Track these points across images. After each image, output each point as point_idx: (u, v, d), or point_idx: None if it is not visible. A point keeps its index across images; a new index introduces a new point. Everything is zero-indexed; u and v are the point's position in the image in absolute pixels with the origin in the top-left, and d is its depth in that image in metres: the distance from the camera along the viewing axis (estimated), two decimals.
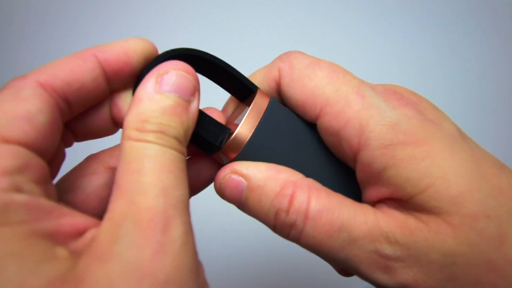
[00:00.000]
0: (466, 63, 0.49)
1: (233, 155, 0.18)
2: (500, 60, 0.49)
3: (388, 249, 0.16)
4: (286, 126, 0.19)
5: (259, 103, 0.18)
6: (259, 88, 0.19)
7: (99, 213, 0.18)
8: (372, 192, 0.17)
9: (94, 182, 0.19)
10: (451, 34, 0.49)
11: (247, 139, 0.18)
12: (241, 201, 0.18)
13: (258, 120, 0.18)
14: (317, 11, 0.48)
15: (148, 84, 0.16)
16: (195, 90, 0.16)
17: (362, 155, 0.17)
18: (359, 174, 0.18)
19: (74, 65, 0.16)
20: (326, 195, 0.17)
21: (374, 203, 0.18)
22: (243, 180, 0.17)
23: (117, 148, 0.20)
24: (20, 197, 0.13)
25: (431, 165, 0.16)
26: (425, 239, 0.15)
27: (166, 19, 0.46)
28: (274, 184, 0.17)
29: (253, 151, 0.18)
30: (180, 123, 0.15)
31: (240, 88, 0.20)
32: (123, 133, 0.15)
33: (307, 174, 0.18)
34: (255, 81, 0.20)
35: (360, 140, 0.16)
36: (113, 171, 0.19)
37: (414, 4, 0.49)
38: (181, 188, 0.14)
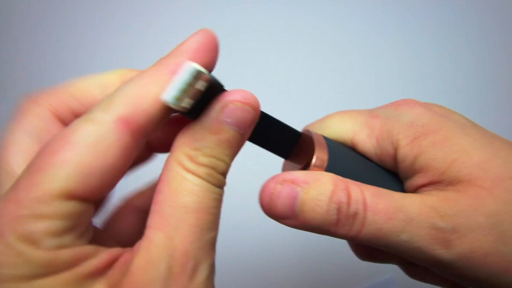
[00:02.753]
0: (466, 63, 0.49)
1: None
2: (501, 60, 0.49)
3: (441, 223, 0.17)
4: (344, 150, 0.21)
5: (316, 138, 0.20)
6: (303, 132, 0.21)
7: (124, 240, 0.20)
8: (411, 183, 0.20)
9: (122, 224, 0.20)
10: (451, 34, 0.49)
11: (325, 164, 0.19)
12: (294, 210, 0.18)
13: (327, 149, 0.20)
14: (317, 11, 0.48)
15: (212, 112, 0.15)
16: (254, 122, 0.17)
17: (397, 156, 0.20)
18: (400, 173, 0.20)
19: (154, 89, 0.15)
20: (372, 187, 0.19)
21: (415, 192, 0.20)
22: (295, 186, 0.18)
23: (146, 191, 0.22)
24: (65, 253, 0.14)
25: (450, 144, 0.18)
26: (468, 205, 0.17)
27: (166, 19, 0.46)
28: (327, 183, 0.18)
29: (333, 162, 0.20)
30: (231, 156, 0.16)
31: (279, 138, 0.21)
32: (173, 152, 0.16)
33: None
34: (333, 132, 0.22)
35: (392, 146, 0.20)
36: (141, 212, 0.21)
37: (414, 4, 0.49)
38: (214, 229, 0.15)
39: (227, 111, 0.15)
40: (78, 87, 0.17)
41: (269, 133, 0.20)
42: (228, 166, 0.16)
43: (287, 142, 0.21)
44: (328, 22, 0.48)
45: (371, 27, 0.48)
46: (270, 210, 0.18)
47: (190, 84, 0.14)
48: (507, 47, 0.49)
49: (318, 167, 0.19)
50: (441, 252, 0.17)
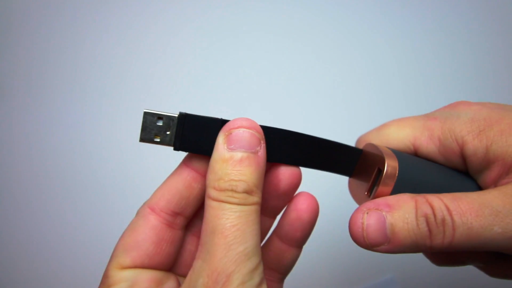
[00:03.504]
0: (466, 63, 0.49)
1: (387, 190, 0.20)
2: (501, 61, 0.49)
3: None
4: (409, 156, 0.21)
5: (384, 149, 0.21)
6: (363, 149, 0.22)
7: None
8: (487, 177, 0.20)
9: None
10: (452, 34, 0.49)
11: (397, 171, 0.20)
12: (386, 234, 0.18)
13: (395, 156, 0.20)
14: (319, 11, 0.48)
15: (219, 145, 0.18)
16: (260, 141, 0.19)
17: (466, 151, 0.20)
18: (471, 168, 0.20)
19: (172, 181, 0.21)
20: (448, 194, 0.19)
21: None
22: (380, 211, 0.19)
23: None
24: None
25: None
26: None
27: (166, 19, 0.46)
28: (408, 201, 0.19)
29: (402, 183, 0.20)
30: (250, 174, 0.18)
31: (340, 159, 0.22)
32: (205, 192, 0.18)
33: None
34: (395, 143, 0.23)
35: (457, 143, 0.20)
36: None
37: (414, 4, 0.49)
38: (246, 241, 0.17)
39: (228, 139, 0.18)
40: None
41: (328, 156, 0.21)
42: (249, 184, 0.18)
43: (348, 161, 0.22)
44: (328, 22, 0.48)
45: (371, 28, 0.48)
46: (365, 241, 0.19)
47: (150, 124, 0.20)
48: (507, 47, 0.49)
49: (391, 174, 0.19)
50: None
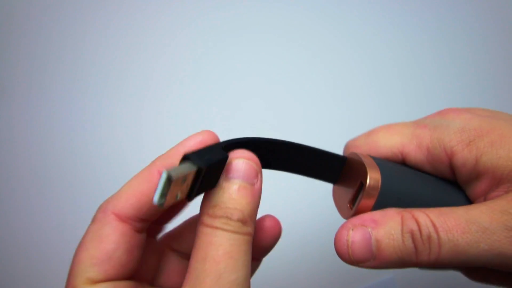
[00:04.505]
0: (466, 64, 0.49)
1: (370, 202, 0.19)
2: (501, 61, 0.49)
3: None
4: (394, 166, 0.21)
5: (367, 161, 0.20)
6: (349, 153, 0.22)
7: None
8: (476, 188, 0.20)
9: (167, 270, 0.22)
10: (453, 35, 0.49)
11: (380, 184, 0.19)
12: (371, 250, 0.18)
13: (378, 168, 0.20)
14: (316, 12, 0.48)
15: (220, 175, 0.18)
16: (258, 173, 0.19)
17: (454, 162, 0.19)
18: (460, 179, 0.20)
19: (142, 187, 0.19)
20: (434, 209, 0.19)
21: (481, 200, 0.20)
22: (366, 228, 0.18)
23: (181, 231, 0.23)
24: None
25: (509, 142, 0.18)
26: None
27: (165, 19, 0.46)
28: (394, 216, 0.18)
29: (385, 195, 0.19)
30: (246, 204, 0.18)
31: (325, 166, 0.22)
32: (199, 219, 0.18)
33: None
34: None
35: (446, 153, 0.20)
36: (182, 255, 0.23)
37: (414, 4, 0.49)
38: (238, 271, 0.17)
39: (227, 168, 0.18)
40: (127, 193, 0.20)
41: (313, 163, 0.21)
42: (244, 213, 0.17)
43: (333, 168, 0.22)
44: (328, 23, 0.48)
45: (371, 29, 0.48)
46: (350, 258, 0.19)
47: (170, 187, 0.16)
48: (507, 47, 0.49)
49: (373, 187, 0.19)
50: None
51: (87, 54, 0.44)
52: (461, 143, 0.19)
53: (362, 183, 0.20)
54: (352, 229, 0.18)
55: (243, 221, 0.17)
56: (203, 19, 0.46)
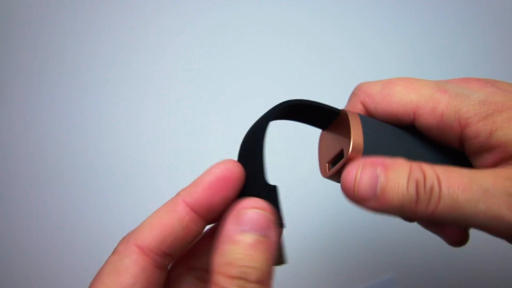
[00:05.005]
0: (466, 64, 0.49)
1: (356, 155, 0.20)
2: (501, 61, 0.49)
3: None
4: (382, 127, 0.21)
5: (352, 116, 0.20)
6: (342, 109, 0.21)
7: None
8: (484, 161, 0.20)
9: None
10: (452, 34, 0.49)
11: (360, 156, 0.19)
12: (376, 190, 0.18)
13: (361, 125, 0.20)
14: (316, 12, 0.48)
15: (229, 225, 0.17)
16: (272, 223, 0.17)
17: (467, 133, 0.19)
18: (469, 150, 0.20)
19: (166, 219, 0.18)
20: (442, 165, 0.19)
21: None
22: (375, 169, 0.18)
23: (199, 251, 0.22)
24: None
25: None
26: None
27: (166, 19, 0.46)
28: (404, 164, 0.19)
29: (369, 150, 0.20)
30: (262, 261, 0.16)
31: (322, 117, 0.22)
32: (212, 276, 0.16)
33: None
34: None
35: (460, 123, 0.19)
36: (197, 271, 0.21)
37: (414, 4, 0.49)
38: None
39: (239, 219, 0.17)
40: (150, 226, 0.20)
41: (306, 114, 0.21)
42: (263, 271, 0.16)
43: (325, 118, 0.22)
44: (328, 23, 0.48)
45: (371, 29, 0.48)
46: (354, 194, 0.19)
47: None
48: (507, 47, 0.49)
49: (352, 158, 0.19)
50: None
51: (87, 54, 0.44)
52: (478, 115, 0.19)
53: (342, 152, 0.20)
54: (362, 168, 0.19)
55: (261, 282, 0.16)
56: (203, 19, 0.46)
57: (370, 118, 0.21)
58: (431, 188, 0.18)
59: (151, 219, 0.19)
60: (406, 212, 0.18)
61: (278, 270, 0.45)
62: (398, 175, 0.18)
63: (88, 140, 0.43)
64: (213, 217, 0.19)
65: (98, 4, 0.45)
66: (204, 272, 0.21)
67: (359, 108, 0.22)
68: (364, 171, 0.19)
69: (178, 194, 0.19)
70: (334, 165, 0.21)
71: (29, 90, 0.43)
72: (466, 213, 0.18)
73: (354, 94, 0.23)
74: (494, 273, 0.42)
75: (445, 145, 0.21)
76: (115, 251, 0.18)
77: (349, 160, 0.19)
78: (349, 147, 0.19)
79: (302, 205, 0.42)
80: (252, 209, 0.17)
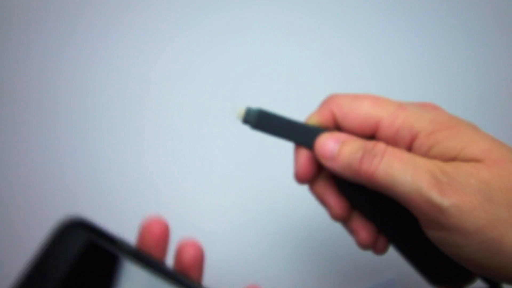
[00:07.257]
0: (466, 64, 0.49)
1: None
2: (501, 62, 0.49)
3: (440, 175, 0.21)
4: None
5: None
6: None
7: None
8: None
9: None
10: (452, 35, 0.49)
11: None
12: (334, 152, 0.24)
13: None
14: (316, 12, 0.48)
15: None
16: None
17: (415, 144, 0.23)
18: None
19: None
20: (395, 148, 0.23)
21: None
22: (339, 139, 0.24)
23: None
24: None
25: (462, 137, 0.22)
26: (466, 170, 0.21)
27: (166, 19, 0.46)
28: (360, 139, 0.24)
29: None
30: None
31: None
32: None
33: None
34: (313, 123, 0.26)
35: (411, 136, 0.23)
36: None
37: (414, 4, 0.49)
38: None
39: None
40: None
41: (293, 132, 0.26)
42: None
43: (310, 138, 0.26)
44: (328, 23, 0.48)
45: (371, 29, 0.48)
46: (319, 152, 0.24)
47: None
48: (507, 47, 0.49)
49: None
50: (436, 196, 0.21)
51: (88, 54, 0.44)
52: (426, 130, 0.23)
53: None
54: (330, 138, 0.24)
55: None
56: (203, 19, 0.46)
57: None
58: (375, 155, 0.22)
59: None
60: (353, 171, 0.23)
61: (279, 270, 0.45)
62: (352, 143, 0.24)
63: (88, 140, 0.43)
64: None
65: (98, 4, 0.45)
66: None
67: (328, 115, 0.25)
68: (331, 139, 0.24)
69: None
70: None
71: (29, 90, 0.43)
72: (396, 180, 0.22)
73: (325, 102, 0.26)
74: None
75: None
76: None
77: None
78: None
79: (303, 206, 0.42)
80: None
